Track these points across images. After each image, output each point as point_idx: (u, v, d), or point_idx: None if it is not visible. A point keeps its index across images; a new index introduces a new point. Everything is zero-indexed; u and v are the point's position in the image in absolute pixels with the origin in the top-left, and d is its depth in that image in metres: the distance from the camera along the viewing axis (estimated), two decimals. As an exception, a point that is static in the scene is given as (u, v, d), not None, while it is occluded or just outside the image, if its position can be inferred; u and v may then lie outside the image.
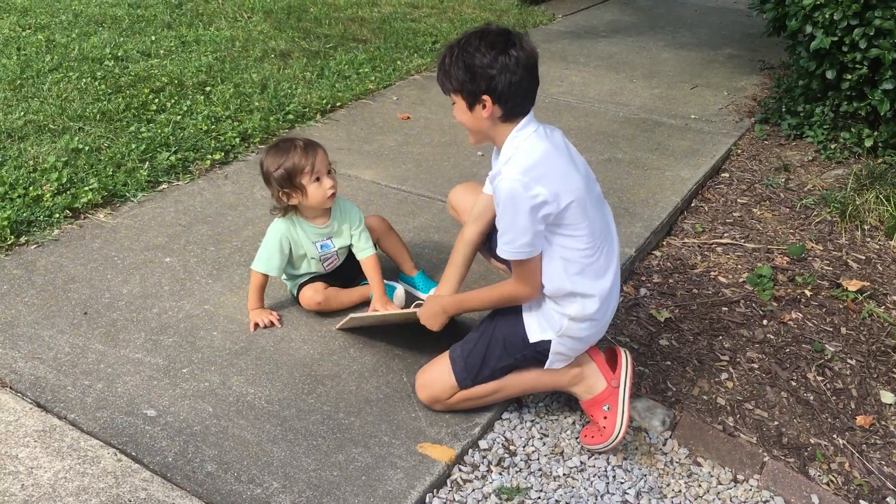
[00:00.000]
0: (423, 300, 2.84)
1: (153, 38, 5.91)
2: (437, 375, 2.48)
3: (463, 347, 2.49)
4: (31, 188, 3.60)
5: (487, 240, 2.67)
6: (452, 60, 2.24)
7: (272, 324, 2.87)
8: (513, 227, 2.20)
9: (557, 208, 2.19)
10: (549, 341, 2.36)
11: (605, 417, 2.42)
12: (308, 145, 2.80)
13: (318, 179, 2.79)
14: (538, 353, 2.40)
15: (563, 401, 2.67)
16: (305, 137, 2.86)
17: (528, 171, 2.17)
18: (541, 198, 2.16)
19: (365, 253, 2.98)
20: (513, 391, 2.52)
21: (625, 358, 2.49)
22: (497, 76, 2.18)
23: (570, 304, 2.32)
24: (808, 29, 4.49)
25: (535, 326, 2.38)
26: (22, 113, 4.40)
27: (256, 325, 2.86)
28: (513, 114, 2.26)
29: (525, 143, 2.24)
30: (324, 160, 2.81)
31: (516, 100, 2.23)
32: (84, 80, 4.95)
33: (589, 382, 2.47)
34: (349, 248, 3.02)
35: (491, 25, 2.27)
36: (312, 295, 2.88)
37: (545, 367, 2.42)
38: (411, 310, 2.66)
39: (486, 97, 2.22)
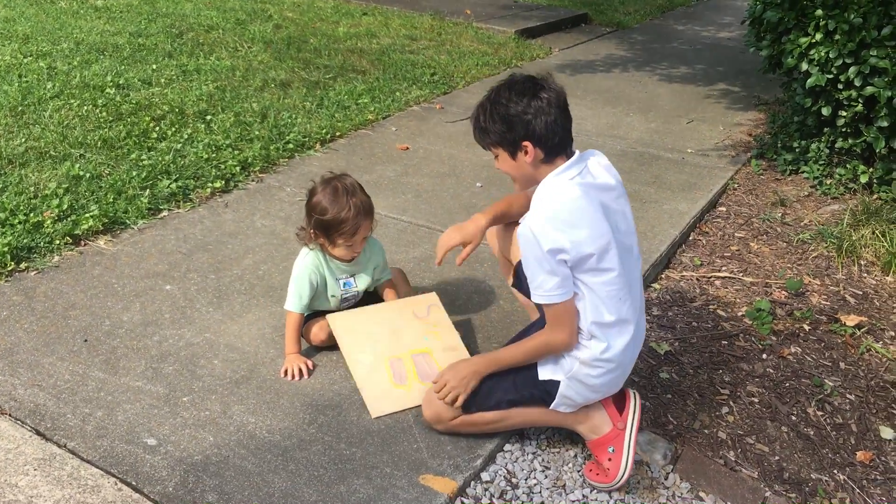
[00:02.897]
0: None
1: (154, 66, 5.95)
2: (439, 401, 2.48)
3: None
4: (31, 214, 3.60)
5: (518, 279, 2.66)
6: (487, 116, 2.31)
7: (301, 373, 2.77)
8: (539, 271, 2.21)
9: (577, 255, 2.18)
10: (559, 382, 2.35)
11: (610, 459, 2.40)
12: (363, 210, 2.73)
13: (351, 244, 2.79)
14: (546, 394, 2.39)
15: (565, 433, 2.66)
16: (364, 196, 2.78)
17: (551, 217, 2.20)
18: (558, 244, 2.16)
19: (382, 280, 3.03)
20: (515, 423, 2.52)
21: (633, 400, 2.47)
22: (533, 120, 2.24)
23: (583, 348, 2.30)
24: (804, 66, 4.55)
25: (547, 365, 2.37)
26: (23, 139, 4.42)
27: (286, 371, 2.77)
28: (553, 153, 2.29)
29: (556, 190, 2.26)
30: (368, 228, 2.79)
31: (554, 139, 2.27)
32: (85, 108, 4.97)
33: (594, 423, 2.45)
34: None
35: (515, 75, 2.34)
36: (317, 332, 2.88)
37: (550, 407, 2.41)
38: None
39: (526, 143, 2.27)
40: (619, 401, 2.51)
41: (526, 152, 2.28)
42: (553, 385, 2.36)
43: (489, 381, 2.43)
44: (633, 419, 2.44)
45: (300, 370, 2.77)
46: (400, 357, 2.77)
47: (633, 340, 2.37)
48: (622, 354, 2.33)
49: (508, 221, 2.74)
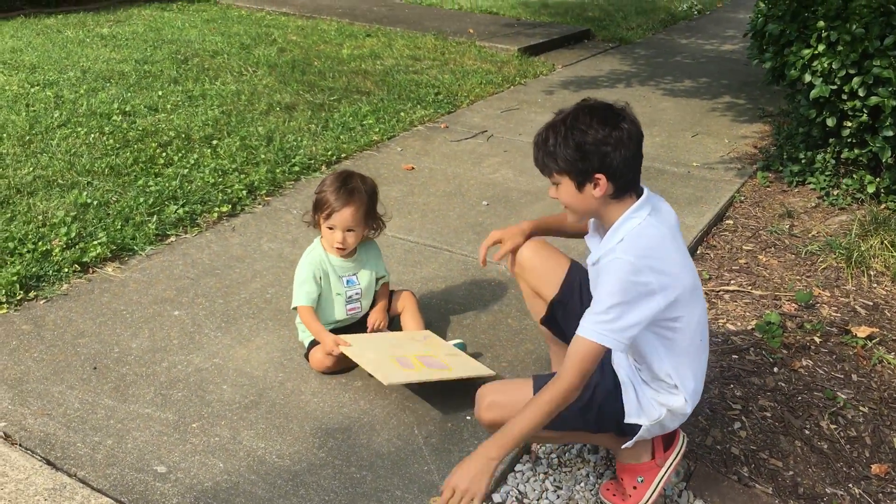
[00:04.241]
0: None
1: (160, 92, 6.00)
2: (513, 403, 2.23)
3: None
4: (40, 243, 3.61)
5: (554, 319, 2.59)
6: (559, 140, 2.13)
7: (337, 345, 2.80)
8: (615, 307, 2.05)
9: (665, 300, 2.08)
10: (640, 426, 2.26)
11: (635, 487, 2.36)
12: (347, 196, 2.84)
13: (332, 228, 2.86)
14: (621, 432, 2.31)
15: (576, 452, 2.65)
16: (360, 191, 2.88)
17: (644, 256, 2.07)
18: (650, 286, 2.05)
19: (380, 282, 3.11)
20: (560, 439, 2.52)
21: (681, 442, 2.40)
22: (612, 152, 2.09)
23: (672, 397, 2.22)
24: (808, 78, 4.55)
25: (633, 409, 2.26)
26: (31, 168, 4.45)
27: (330, 352, 2.82)
28: (624, 190, 2.16)
29: (638, 228, 2.13)
30: (346, 219, 2.85)
31: (628, 175, 2.14)
32: (92, 136, 5.01)
33: (636, 449, 2.37)
34: (372, 298, 3.08)
35: (591, 100, 2.18)
36: (322, 359, 2.87)
37: (623, 446, 2.33)
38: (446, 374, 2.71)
39: (599, 175, 2.11)
40: (668, 436, 2.42)
41: (596, 185, 2.12)
42: (634, 427, 2.27)
43: (574, 404, 2.17)
44: (674, 460, 2.38)
45: (336, 343, 2.79)
46: (405, 356, 2.80)
47: (699, 386, 2.30)
48: (693, 398, 2.26)
49: (555, 235, 2.65)
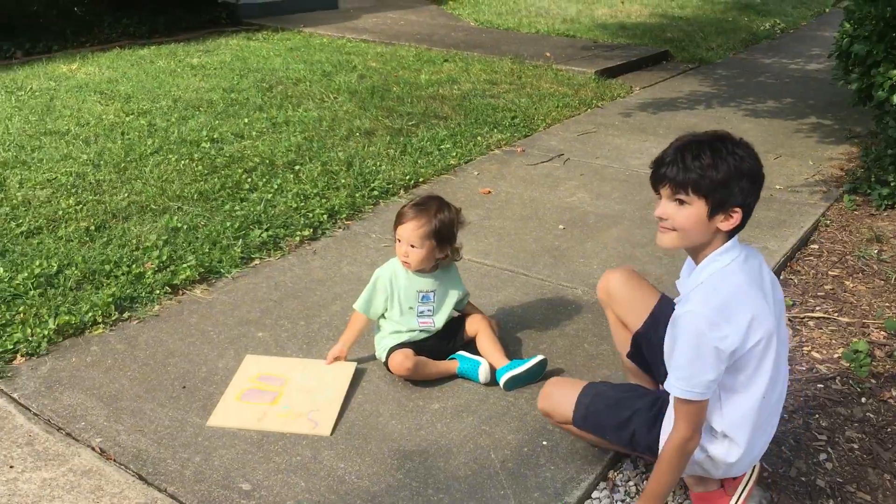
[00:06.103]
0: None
1: (246, 120, 6.21)
2: (561, 400, 2.50)
3: (594, 401, 2.42)
4: (133, 266, 3.79)
5: (640, 352, 2.58)
6: (715, 161, 1.99)
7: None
8: (692, 364, 2.03)
9: (743, 350, 2.04)
10: None
11: None
12: (416, 212, 2.98)
13: (399, 240, 2.99)
14: (655, 456, 2.30)
15: (654, 480, 2.62)
16: (427, 211, 2.98)
17: (720, 307, 2.02)
18: (729, 340, 2.00)
19: (463, 301, 3.24)
20: (607, 447, 2.56)
21: (750, 471, 2.36)
22: (754, 190, 2.05)
23: (715, 444, 2.19)
24: (896, 98, 4.43)
25: None
26: (126, 194, 4.67)
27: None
28: (738, 230, 2.10)
29: (720, 273, 2.08)
30: (408, 233, 2.96)
31: (749, 218, 2.10)
32: (182, 162, 5.22)
33: (699, 477, 2.35)
34: (447, 320, 3.14)
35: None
36: (402, 360, 2.94)
37: None
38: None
39: (737, 209, 2.04)
40: None
41: (729, 218, 2.04)
42: None
43: (607, 421, 2.33)
44: (745, 489, 2.33)
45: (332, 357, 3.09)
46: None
47: (761, 440, 2.26)
48: (749, 454, 2.21)
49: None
